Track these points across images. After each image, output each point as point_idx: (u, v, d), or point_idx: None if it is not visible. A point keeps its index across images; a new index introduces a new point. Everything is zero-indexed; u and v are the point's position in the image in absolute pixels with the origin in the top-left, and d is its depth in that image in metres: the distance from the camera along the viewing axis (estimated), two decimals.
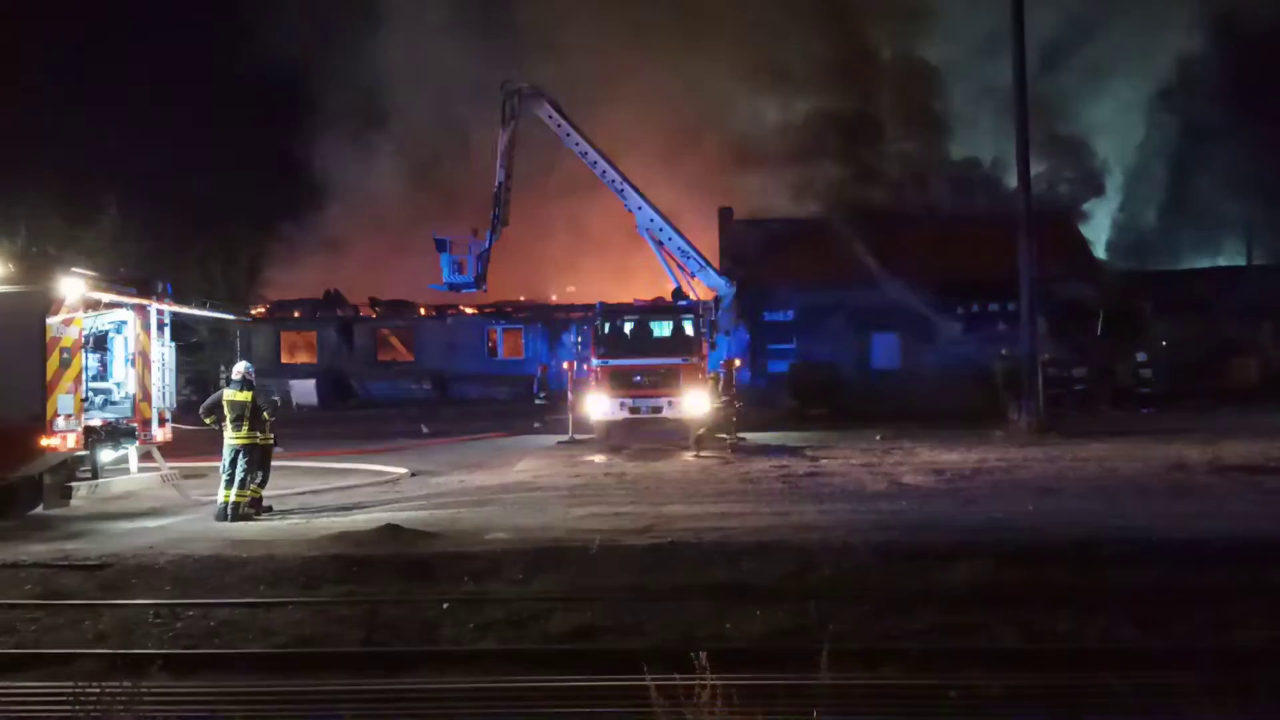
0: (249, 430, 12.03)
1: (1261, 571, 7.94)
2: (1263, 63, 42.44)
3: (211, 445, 18.97)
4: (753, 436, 20.82)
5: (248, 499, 12.07)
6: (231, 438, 12.06)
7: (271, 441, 12.65)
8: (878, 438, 19.81)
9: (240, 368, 12.53)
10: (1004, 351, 22.17)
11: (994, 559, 8.40)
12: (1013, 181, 21.77)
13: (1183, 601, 7.30)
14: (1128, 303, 34.22)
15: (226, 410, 12.08)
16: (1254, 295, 33.77)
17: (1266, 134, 40.43)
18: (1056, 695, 5.60)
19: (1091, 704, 5.42)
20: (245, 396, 12.09)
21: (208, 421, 12.30)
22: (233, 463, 12.00)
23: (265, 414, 12.18)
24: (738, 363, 23.34)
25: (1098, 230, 44.10)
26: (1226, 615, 6.93)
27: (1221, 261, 42.53)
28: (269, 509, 12.38)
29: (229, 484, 11.97)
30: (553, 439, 21.60)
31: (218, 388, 15.02)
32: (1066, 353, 28.79)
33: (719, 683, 5.04)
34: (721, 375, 21.35)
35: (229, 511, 11.86)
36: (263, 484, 12.40)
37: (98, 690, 5.54)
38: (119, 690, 5.53)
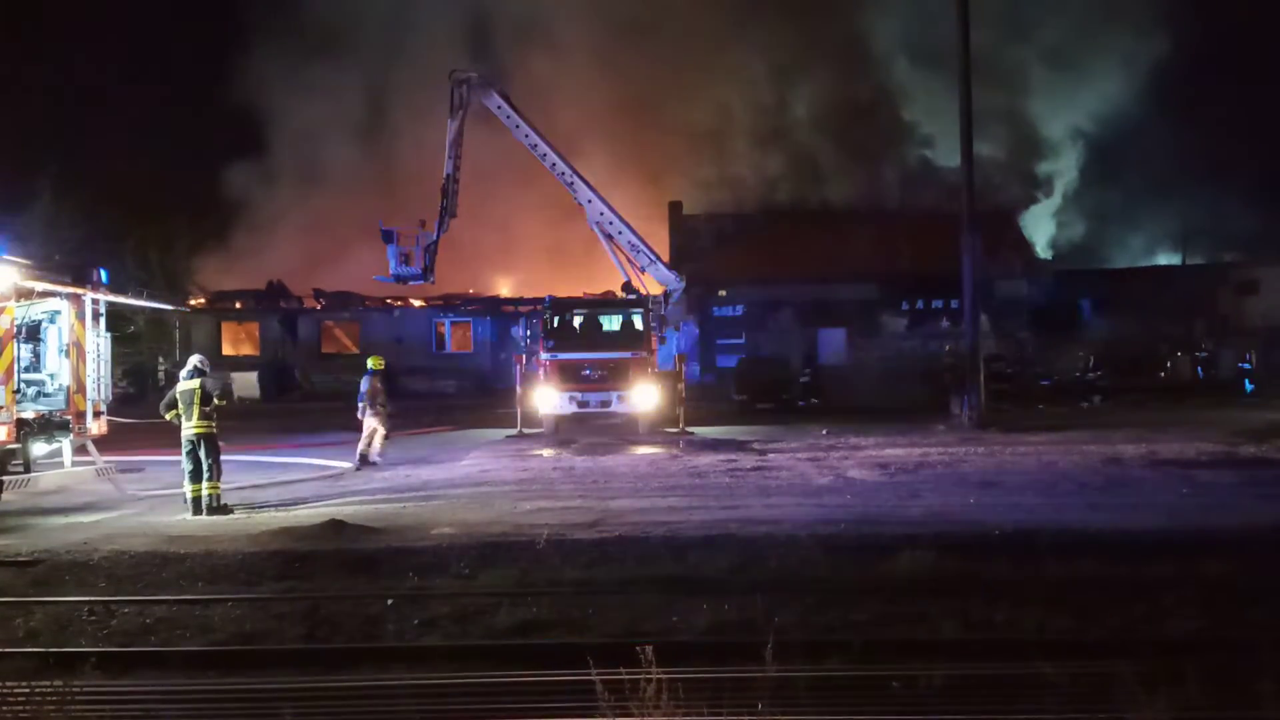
0: (199, 419, 11.83)
1: (1192, 563, 8.15)
2: (1201, 67, 43.71)
3: (147, 439, 18.59)
4: (700, 430, 20.91)
5: (220, 491, 11.87)
6: (185, 428, 11.92)
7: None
8: (823, 432, 20.01)
9: (193, 359, 12.45)
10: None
11: (936, 551, 8.52)
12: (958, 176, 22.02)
13: (1117, 592, 7.47)
14: (1067, 300, 35.07)
15: (179, 400, 11.90)
16: (1188, 294, 34.76)
17: (1203, 136, 41.61)
18: (995, 685, 5.70)
19: (1029, 693, 5.53)
20: (193, 385, 11.94)
21: (168, 417, 12.12)
22: (190, 454, 11.81)
23: (215, 399, 12.02)
24: (684, 356, 23.41)
25: (1039, 229, 45.09)
26: (1159, 606, 7.11)
27: (1158, 261, 43.70)
28: None
29: (193, 477, 11.78)
30: (501, 432, 21.48)
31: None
32: (1008, 348, 29.42)
33: (664, 676, 5.05)
34: (671, 370, 21.42)
35: (203, 505, 11.66)
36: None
37: (27, 690, 5.39)
38: (49, 690, 5.38)
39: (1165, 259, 43.88)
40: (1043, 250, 43.10)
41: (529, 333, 22.20)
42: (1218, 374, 29.75)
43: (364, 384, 16.56)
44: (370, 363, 17.23)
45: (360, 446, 16.36)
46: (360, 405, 16.54)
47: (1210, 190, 40.67)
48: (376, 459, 16.41)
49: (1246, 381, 28.70)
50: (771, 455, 16.64)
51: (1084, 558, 8.42)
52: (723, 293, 37.39)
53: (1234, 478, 13.04)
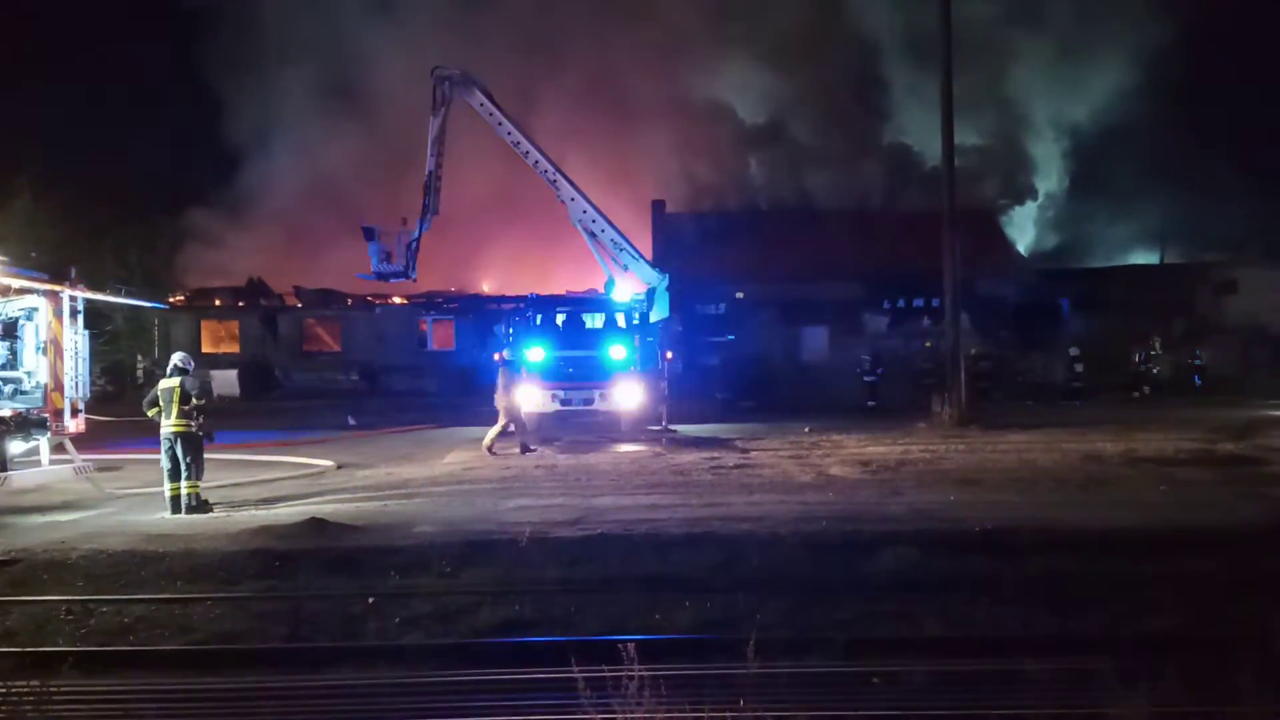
0: (177, 417, 11.76)
1: (1170, 560, 8.22)
2: (1182, 66, 44.10)
3: (126, 437, 18.45)
4: (683, 428, 20.92)
5: (199, 489, 11.80)
6: (164, 426, 11.87)
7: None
8: (806, 430, 20.05)
9: (175, 357, 12.38)
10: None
11: (917, 548, 8.56)
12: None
13: (1097, 589, 7.53)
14: (1047, 299, 35.31)
15: (160, 398, 11.84)
16: (1166, 292, 35.03)
17: (1182, 135, 41.98)
18: (976, 680, 5.73)
19: (1009, 688, 5.56)
20: (173, 383, 11.87)
21: (150, 415, 12.06)
22: (169, 452, 11.74)
23: (194, 398, 11.93)
24: (669, 355, 23.42)
25: (1022, 228, 45.36)
26: (1139, 602, 7.17)
27: (1137, 260, 44.02)
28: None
29: (172, 475, 11.72)
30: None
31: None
32: (989, 347, 29.63)
33: (646, 673, 5.05)
34: (654, 368, 21.42)
35: (181, 504, 11.60)
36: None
37: (4, 690, 5.34)
38: (27, 690, 5.34)
39: (1145, 258, 44.21)
40: (1025, 249, 43.37)
41: (511, 331, 22.14)
42: (1169, 372, 30.01)
43: (499, 376, 17.97)
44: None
45: (491, 435, 17.80)
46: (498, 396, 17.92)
47: (1190, 190, 41.05)
48: (532, 447, 17.73)
49: (1196, 377, 29.17)
50: (754, 453, 16.67)
51: (1063, 555, 8.48)
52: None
53: (1212, 475, 13.16)
